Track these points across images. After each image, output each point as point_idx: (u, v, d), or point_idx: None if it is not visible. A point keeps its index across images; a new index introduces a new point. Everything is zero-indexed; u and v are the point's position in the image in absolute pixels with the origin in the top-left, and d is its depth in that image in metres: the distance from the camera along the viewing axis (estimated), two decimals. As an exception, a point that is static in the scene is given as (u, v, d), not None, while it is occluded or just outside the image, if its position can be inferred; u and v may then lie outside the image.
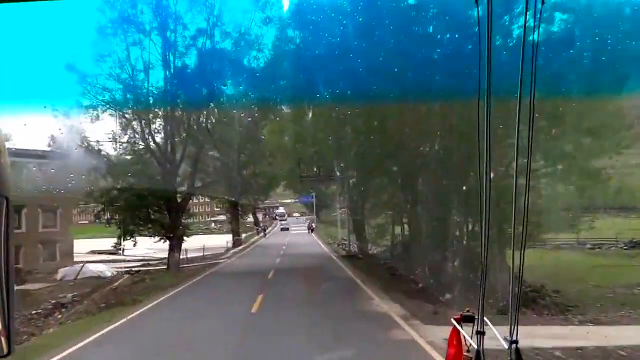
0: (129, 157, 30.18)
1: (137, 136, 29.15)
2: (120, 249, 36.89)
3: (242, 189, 39.13)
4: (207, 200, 57.78)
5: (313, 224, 57.07)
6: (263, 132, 35.07)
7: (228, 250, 42.15)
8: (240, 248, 43.70)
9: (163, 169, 29.56)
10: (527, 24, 2.16)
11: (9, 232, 1.62)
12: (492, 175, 2.35)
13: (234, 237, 45.72)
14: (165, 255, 31.69)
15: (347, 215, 38.43)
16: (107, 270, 30.45)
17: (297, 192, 58.47)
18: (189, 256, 34.78)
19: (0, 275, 1.58)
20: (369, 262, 29.11)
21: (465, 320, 2.90)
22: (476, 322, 2.76)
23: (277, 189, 48.40)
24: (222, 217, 62.34)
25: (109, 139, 28.40)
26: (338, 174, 34.43)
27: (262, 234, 56.36)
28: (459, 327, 2.96)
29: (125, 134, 28.89)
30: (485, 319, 2.70)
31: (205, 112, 28.88)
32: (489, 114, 2.16)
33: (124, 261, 36.17)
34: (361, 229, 33.95)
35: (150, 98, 27.48)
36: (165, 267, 31.05)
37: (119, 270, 31.34)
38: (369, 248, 33.20)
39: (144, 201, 29.31)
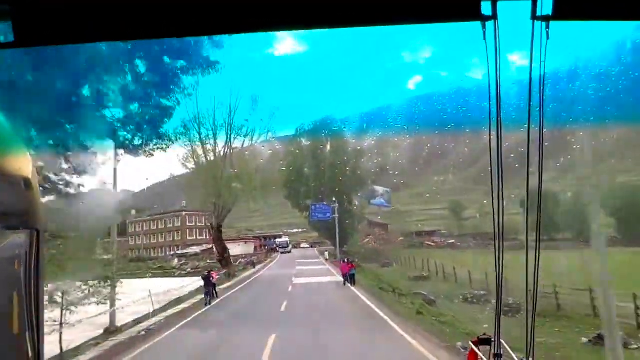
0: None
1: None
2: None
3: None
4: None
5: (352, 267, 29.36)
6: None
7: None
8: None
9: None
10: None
11: (39, 263, 1.74)
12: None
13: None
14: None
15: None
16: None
17: (301, 206, 40.43)
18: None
19: (30, 303, 1.69)
20: None
21: (482, 342, 2.91)
22: (493, 345, 2.77)
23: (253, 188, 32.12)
24: (195, 248, 45.18)
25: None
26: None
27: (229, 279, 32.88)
28: (476, 350, 2.98)
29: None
30: (502, 341, 2.71)
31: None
32: (499, 141, 2.22)
33: None
34: None
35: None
36: None
37: None
38: None
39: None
